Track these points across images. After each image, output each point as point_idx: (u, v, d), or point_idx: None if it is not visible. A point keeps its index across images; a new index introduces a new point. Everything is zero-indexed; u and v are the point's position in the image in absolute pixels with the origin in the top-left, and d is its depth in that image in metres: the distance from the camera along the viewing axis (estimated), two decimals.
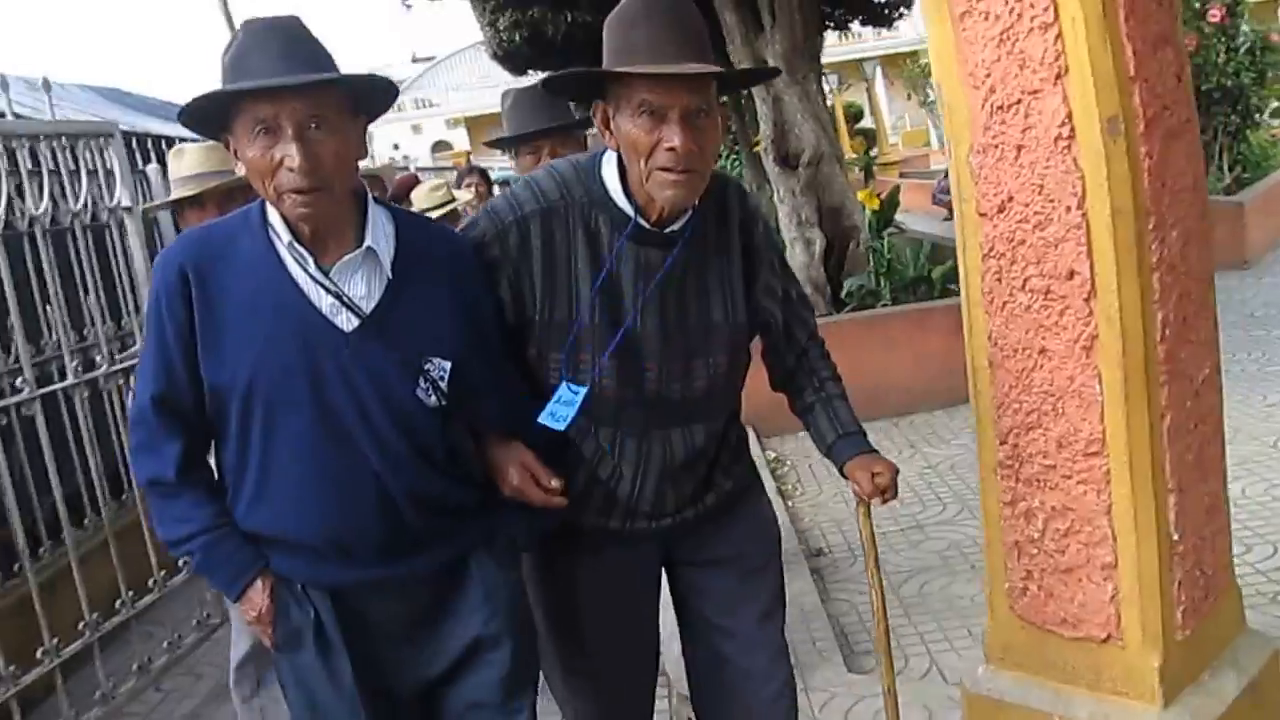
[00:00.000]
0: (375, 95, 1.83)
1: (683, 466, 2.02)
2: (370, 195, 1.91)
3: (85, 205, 3.88)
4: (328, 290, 1.80)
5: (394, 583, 1.90)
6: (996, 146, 2.14)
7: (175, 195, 2.92)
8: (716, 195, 2.00)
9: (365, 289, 1.84)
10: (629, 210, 1.91)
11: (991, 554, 2.35)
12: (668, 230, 1.94)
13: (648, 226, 1.93)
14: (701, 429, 2.03)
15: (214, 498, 1.86)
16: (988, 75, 2.12)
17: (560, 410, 1.93)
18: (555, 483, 1.92)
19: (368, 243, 1.82)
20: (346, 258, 1.81)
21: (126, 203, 4.11)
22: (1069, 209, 2.06)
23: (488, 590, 1.94)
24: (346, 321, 1.81)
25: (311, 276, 1.79)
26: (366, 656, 1.89)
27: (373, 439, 1.82)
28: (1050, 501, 2.20)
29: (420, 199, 4.53)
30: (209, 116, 1.76)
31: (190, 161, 2.91)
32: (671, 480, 2.03)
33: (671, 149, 1.79)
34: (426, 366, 1.85)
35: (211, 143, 2.67)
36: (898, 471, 2.08)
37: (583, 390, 1.93)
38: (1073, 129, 2.03)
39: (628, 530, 2.05)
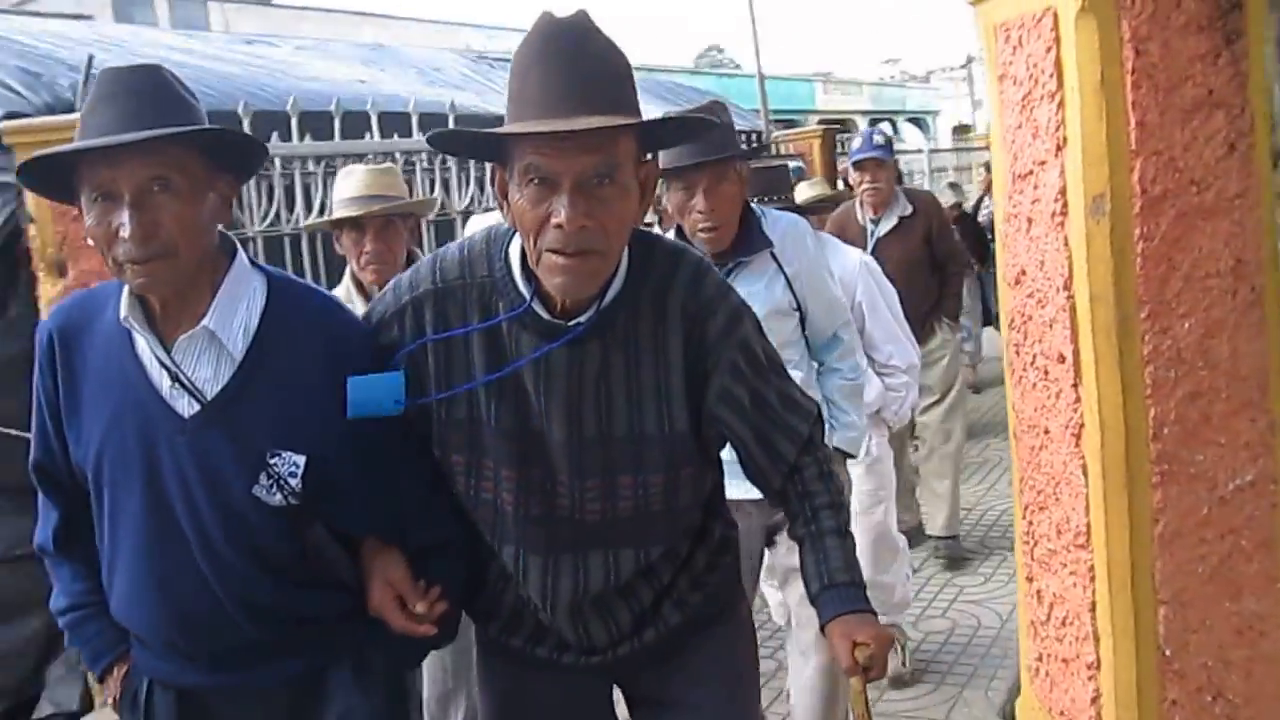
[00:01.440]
0: (240, 151, 1.68)
1: (604, 596, 1.72)
2: (247, 261, 1.71)
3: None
4: (167, 370, 1.63)
5: (241, 692, 1.72)
6: (1015, 216, 2.08)
7: (335, 216, 2.88)
8: (657, 278, 1.64)
9: (212, 371, 1.65)
10: (527, 295, 1.60)
11: (1020, 628, 2.28)
12: (575, 321, 1.60)
13: (547, 317, 1.61)
14: (631, 555, 1.70)
15: (91, 573, 1.74)
16: (1013, 141, 2.07)
17: (368, 394, 1.64)
18: (423, 607, 1.67)
19: (205, 323, 1.63)
20: (184, 337, 1.64)
21: None
22: (1058, 289, 1.96)
23: (340, 714, 1.72)
24: (187, 406, 1.64)
25: (155, 354, 1.64)
26: None
27: (199, 538, 1.64)
28: (1053, 587, 2.11)
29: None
30: (53, 181, 1.61)
31: (355, 183, 2.87)
32: (594, 611, 1.73)
33: (559, 226, 1.47)
34: (272, 461, 1.64)
35: (385, 165, 3.06)
36: (891, 642, 1.72)
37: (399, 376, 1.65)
38: (1065, 205, 1.93)
39: (557, 661, 1.79)
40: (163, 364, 1.64)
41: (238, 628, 1.67)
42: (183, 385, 1.63)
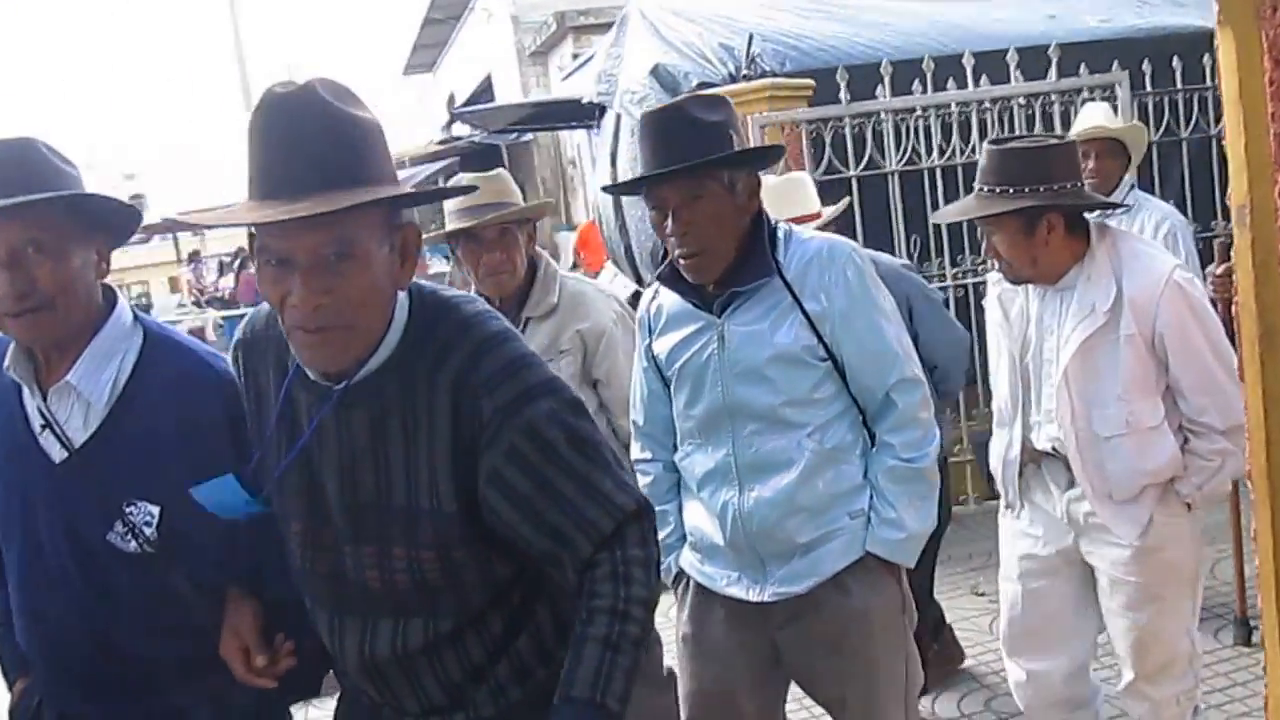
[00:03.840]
0: (110, 213, 1.77)
1: (404, 662, 1.63)
2: (128, 317, 1.84)
3: None
4: (42, 417, 1.77)
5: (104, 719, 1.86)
6: None
7: (449, 228, 2.78)
8: (436, 349, 1.56)
9: (81, 421, 1.77)
10: (299, 358, 1.56)
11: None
12: (341, 386, 1.56)
13: (314, 379, 1.58)
14: (420, 625, 1.61)
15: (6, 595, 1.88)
16: None
17: (217, 496, 1.67)
18: (260, 661, 1.71)
19: (68, 377, 1.75)
20: (54, 388, 1.77)
21: None
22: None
23: None
24: (58, 453, 1.76)
25: (34, 402, 1.78)
26: None
27: (63, 577, 1.78)
28: None
29: None
30: None
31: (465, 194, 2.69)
32: (400, 676, 1.64)
33: (294, 306, 1.45)
34: (129, 510, 1.74)
35: (494, 171, 2.89)
36: None
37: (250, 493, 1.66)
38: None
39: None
40: (40, 411, 1.79)
41: (98, 663, 1.80)
42: (54, 433, 1.77)
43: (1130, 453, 2.47)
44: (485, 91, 17.55)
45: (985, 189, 2.51)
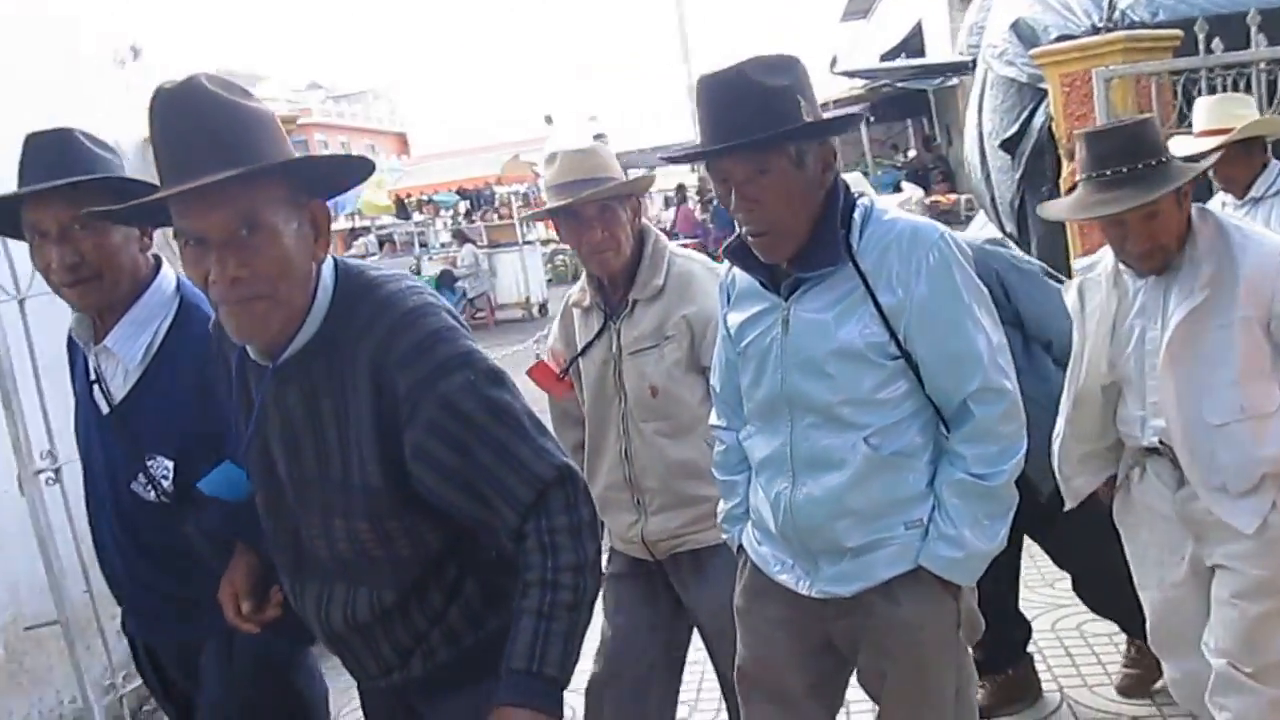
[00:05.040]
0: (145, 193, 1.77)
1: (362, 629, 1.75)
2: (171, 285, 2.07)
3: None
4: (93, 373, 2.04)
5: (155, 644, 2.21)
6: None
7: (549, 206, 2.67)
8: (358, 326, 1.63)
9: (123, 379, 2.01)
10: None
11: None
12: (278, 363, 1.66)
13: (254, 358, 1.71)
14: (366, 595, 1.72)
15: None
16: None
17: (220, 481, 1.90)
18: (246, 608, 1.89)
19: (106, 341, 1.99)
20: (97, 347, 2.01)
21: None
22: None
23: (208, 675, 2.09)
24: (104, 406, 2.02)
25: (91, 358, 2.05)
26: (172, 677, 2.25)
27: (105, 515, 2.08)
28: None
29: None
30: (5, 221, 1.99)
31: (560, 169, 2.62)
32: (346, 642, 1.78)
33: (214, 282, 1.55)
34: (150, 464, 1.96)
35: (590, 145, 2.76)
36: None
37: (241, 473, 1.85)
38: None
39: (358, 678, 1.90)
40: (92, 368, 2.07)
41: (134, 592, 2.11)
42: (101, 389, 2.04)
43: (1246, 440, 2.36)
44: (914, 37, 17.56)
45: (1114, 171, 2.33)
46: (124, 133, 4.27)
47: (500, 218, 18.74)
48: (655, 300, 2.61)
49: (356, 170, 1.67)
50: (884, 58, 16.31)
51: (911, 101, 17.08)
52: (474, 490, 1.62)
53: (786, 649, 2.17)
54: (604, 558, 2.53)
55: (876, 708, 2.21)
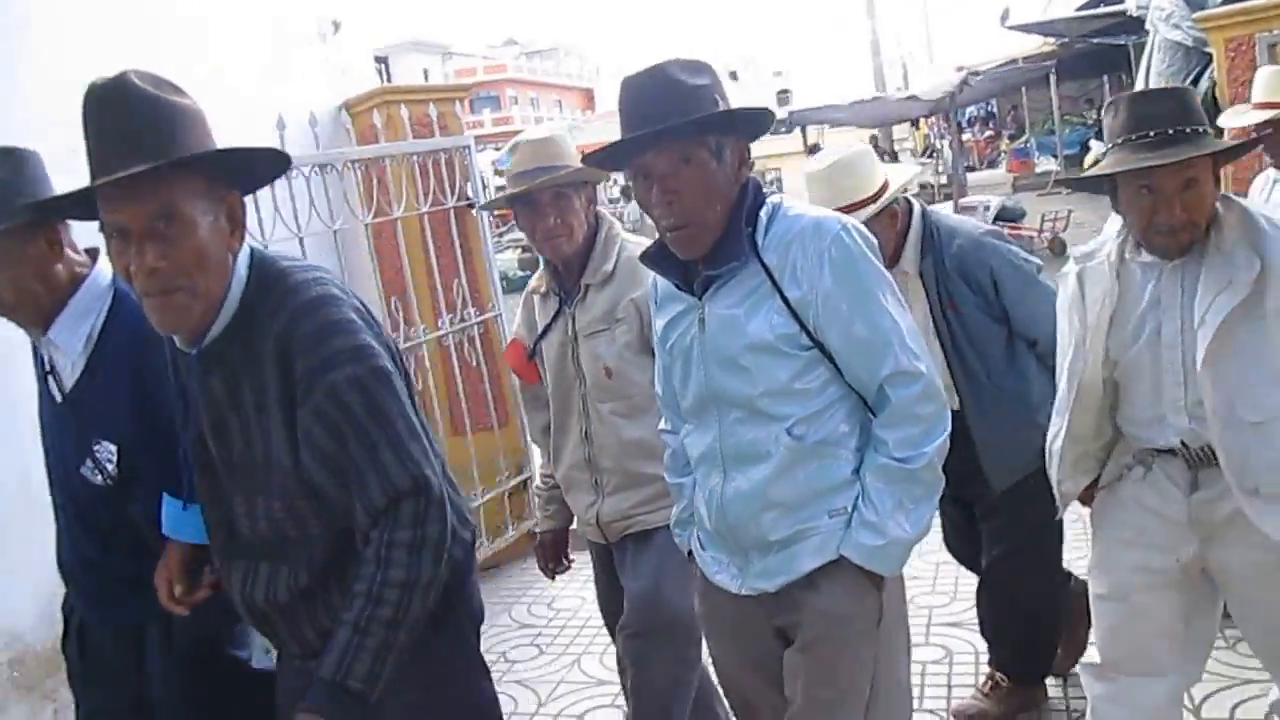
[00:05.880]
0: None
1: (285, 609, 1.81)
2: (105, 278, 2.12)
3: None
4: (45, 364, 2.13)
5: (98, 627, 2.21)
6: None
7: (505, 194, 2.73)
8: (266, 313, 1.72)
9: (70, 368, 2.08)
10: None
11: None
12: (200, 349, 1.76)
13: (180, 346, 1.81)
14: (286, 574, 1.79)
15: None
16: None
17: (176, 520, 2.02)
18: (178, 590, 1.99)
19: (48, 333, 2.07)
20: (42, 339, 2.09)
21: None
22: None
23: (152, 661, 2.13)
24: (58, 393, 2.11)
25: (43, 349, 2.13)
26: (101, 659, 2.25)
27: (59, 498, 2.17)
28: None
29: None
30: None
31: (520, 158, 2.70)
32: (269, 621, 1.86)
33: (136, 273, 1.63)
34: (96, 448, 2.03)
35: (549, 134, 2.76)
36: None
37: (178, 502, 1.98)
38: None
39: (285, 660, 1.98)
40: (43, 358, 2.15)
41: (79, 572, 2.18)
42: (54, 378, 2.12)
43: None
44: None
45: (1158, 133, 2.17)
46: (320, 104, 4.83)
47: None
48: (606, 285, 2.70)
49: (272, 162, 1.75)
50: (1081, 8, 15.66)
51: (1108, 56, 16.41)
52: (343, 480, 1.69)
53: (740, 654, 2.21)
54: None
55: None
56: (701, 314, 2.05)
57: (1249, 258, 2.16)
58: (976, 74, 18.04)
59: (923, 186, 18.47)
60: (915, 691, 3.36)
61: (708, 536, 2.17)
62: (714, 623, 2.23)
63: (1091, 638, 2.52)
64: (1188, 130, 2.17)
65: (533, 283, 2.92)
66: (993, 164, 26.26)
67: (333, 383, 1.66)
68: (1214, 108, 5.43)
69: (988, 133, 29.00)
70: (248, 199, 1.73)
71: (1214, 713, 3.06)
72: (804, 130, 23.01)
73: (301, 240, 4.27)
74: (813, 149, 23.39)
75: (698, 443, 2.13)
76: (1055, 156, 20.35)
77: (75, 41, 3.68)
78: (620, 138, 1.96)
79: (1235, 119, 3.59)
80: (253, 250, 1.77)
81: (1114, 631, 2.44)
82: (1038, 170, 20.80)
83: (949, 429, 2.01)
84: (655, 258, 2.10)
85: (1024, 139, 23.34)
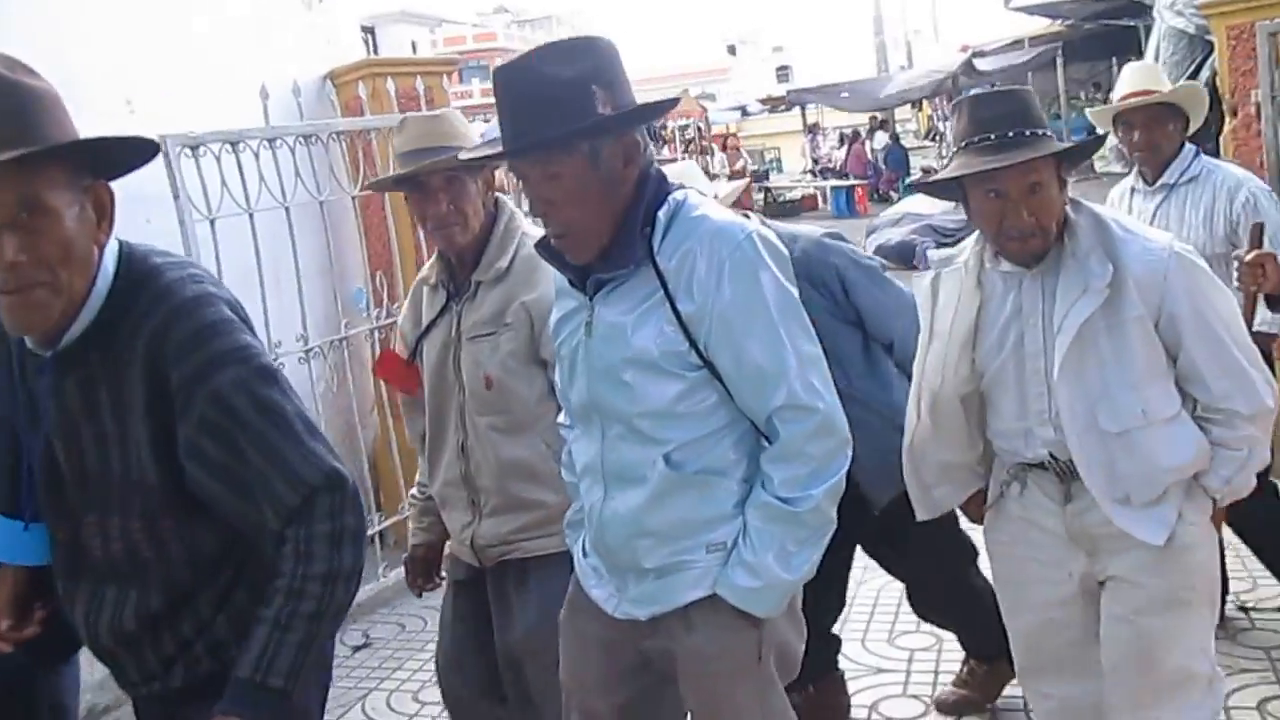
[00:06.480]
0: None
1: (128, 636, 1.69)
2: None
3: None
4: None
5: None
6: None
7: (392, 175, 2.50)
8: (135, 317, 1.59)
9: None
10: None
11: None
12: (56, 351, 1.61)
13: (30, 347, 1.64)
14: (135, 599, 1.67)
15: None
16: None
17: (12, 542, 1.76)
18: (4, 625, 1.77)
19: None
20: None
21: None
22: None
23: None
24: None
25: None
26: None
27: None
28: None
29: None
30: None
31: (407, 136, 2.45)
32: (109, 647, 1.72)
33: None
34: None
35: (441, 111, 2.52)
36: None
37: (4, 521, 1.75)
38: None
39: (123, 687, 1.81)
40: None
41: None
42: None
43: (1149, 448, 2.16)
44: None
45: (999, 135, 2.14)
46: (304, 73, 4.76)
47: (670, 150, 19.25)
48: (499, 283, 2.43)
49: (140, 151, 1.62)
50: (1012, 8, 15.54)
51: (1117, 38, 16.20)
52: (242, 490, 1.60)
53: (599, 668, 2.08)
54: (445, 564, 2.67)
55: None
56: (590, 317, 1.91)
57: (1102, 263, 2.13)
58: (981, 54, 17.92)
59: (925, 170, 18.36)
60: (901, 678, 3.45)
61: (590, 546, 2.06)
62: (578, 631, 2.13)
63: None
64: (1028, 133, 2.15)
65: (423, 272, 2.66)
66: None
67: (215, 389, 1.57)
68: (1215, 97, 5.37)
69: None
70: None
71: None
72: (803, 109, 22.90)
73: (288, 210, 4.23)
74: (812, 128, 23.45)
75: (583, 451, 2.01)
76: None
77: (57, 7, 3.62)
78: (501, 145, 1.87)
79: (1100, 118, 3.49)
80: (122, 244, 1.65)
81: (1030, 645, 2.43)
82: None
83: (845, 468, 1.87)
84: (550, 250, 1.93)
85: None
